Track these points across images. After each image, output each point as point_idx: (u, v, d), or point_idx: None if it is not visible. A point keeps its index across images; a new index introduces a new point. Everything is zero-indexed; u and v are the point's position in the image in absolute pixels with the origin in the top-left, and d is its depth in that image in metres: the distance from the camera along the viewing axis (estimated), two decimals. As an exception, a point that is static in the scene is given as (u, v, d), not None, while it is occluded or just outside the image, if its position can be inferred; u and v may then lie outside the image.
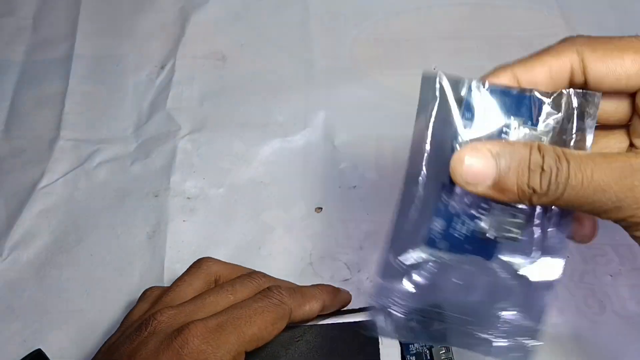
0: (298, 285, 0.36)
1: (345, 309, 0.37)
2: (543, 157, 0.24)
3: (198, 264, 0.36)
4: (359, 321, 0.35)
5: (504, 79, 0.28)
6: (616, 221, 0.25)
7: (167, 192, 0.47)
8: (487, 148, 0.25)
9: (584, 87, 0.27)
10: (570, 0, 0.57)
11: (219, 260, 0.37)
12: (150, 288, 0.36)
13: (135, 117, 0.52)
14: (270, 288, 0.33)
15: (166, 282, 0.43)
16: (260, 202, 0.47)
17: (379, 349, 0.34)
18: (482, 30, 0.56)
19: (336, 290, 0.36)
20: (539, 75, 0.28)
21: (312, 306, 0.34)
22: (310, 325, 0.35)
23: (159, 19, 0.57)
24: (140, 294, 0.36)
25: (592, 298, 0.41)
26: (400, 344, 0.35)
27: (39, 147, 0.50)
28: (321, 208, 0.46)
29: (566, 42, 0.28)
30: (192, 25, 0.57)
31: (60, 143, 0.50)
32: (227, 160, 0.49)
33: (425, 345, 0.35)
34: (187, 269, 0.36)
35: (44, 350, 0.36)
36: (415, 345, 0.35)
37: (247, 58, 0.55)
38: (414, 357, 0.34)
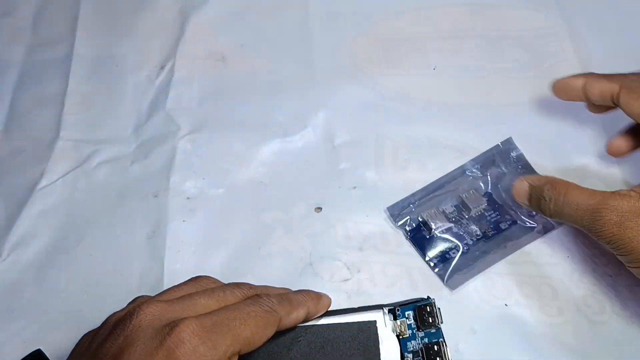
0: (283, 291, 0.36)
1: (345, 308, 0.37)
2: (551, 190, 0.39)
3: (197, 278, 0.35)
4: (359, 321, 0.36)
5: (578, 81, 0.44)
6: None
7: (167, 192, 0.47)
8: (527, 180, 0.41)
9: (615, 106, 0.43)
10: (570, 0, 0.57)
11: (218, 280, 0.36)
12: (142, 295, 0.34)
13: (135, 117, 0.52)
14: (259, 295, 0.33)
15: (166, 282, 0.43)
16: (260, 203, 0.47)
17: (379, 347, 0.35)
18: (482, 30, 0.56)
19: (318, 296, 0.36)
20: (595, 89, 0.43)
21: (298, 313, 0.34)
22: (312, 325, 0.35)
23: (158, 19, 0.57)
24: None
25: (592, 298, 0.41)
26: (399, 342, 0.35)
27: (39, 148, 0.50)
28: (321, 208, 0.46)
29: (620, 74, 0.43)
30: (192, 25, 0.57)
31: (60, 143, 0.50)
32: (227, 160, 0.49)
33: (421, 343, 0.36)
34: (185, 281, 0.35)
35: (43, 350, 0.36)
36: (412, 342, 0.36)
37: (247, 58, 0.55)
38: (411, 355, 0.35)
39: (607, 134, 0.50)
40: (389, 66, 0.54)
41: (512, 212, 0.45)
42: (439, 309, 0.36)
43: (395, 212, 0.45)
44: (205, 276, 0.35)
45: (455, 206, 0.45)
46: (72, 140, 0.50)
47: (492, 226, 0.44)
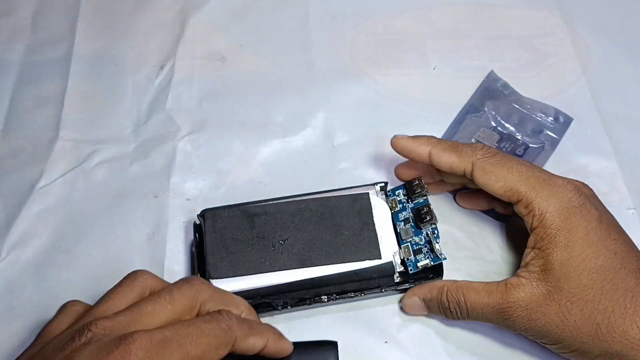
0: (246, 315, 0.35)
1: (341, 188, 0.43)
2: (449, 302, 0.38)
3: (132, 276, 0.34)
4: (354, 193, 0.42)
5: (422, 148, 0.40)
6: None
7: (167, 193, 0.47)
8: (418, 294, 0.39)
9: (471, 182, 0.39)
10: (570, 0, 0.57)
11: (155, 275, 0.35)
12: (70, 302, 0.34)
13: (135, 117, 0.52)
14: (220, 312, 0.32)
15: (165, 282, 0.42)
16: (260, 203, 0.47)
17: (372, 211, 0.41)
18: (482, 30, 0.56)
19: (280, 335, 0.35)
20: (444, 162, 0.39)
21: (256, 340, 0.33)
22: (313, 198, 0.41)
23: (158, 19, 0.57)
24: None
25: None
26: (391, 214, 0.42)
27: (38, 147, 0.50)
28: (321, 208, 0.46)
29: (469, 148, 0.38)
30: (192, 25, 0.57)
31: (59, 143, 0.50)
32: (227, 161, 0.49)
33: (412, 211, 0.42)
34: (119, 281, 0.34)
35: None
36: (402, 213, 0.42)
37: (247, 58, 0.55)
38: (402, 223, 0.41)
39: (607, 133, 0.50)
40: (389, 66, 0.54)
41: (519, 137, 0.48)
42: (425, 184, 0.42)
43: None
44: (141, 272, 0.34)
45: None
46: (71, 140, 0.50)
47: None
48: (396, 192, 0.43)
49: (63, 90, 0.53)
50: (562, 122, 0.49)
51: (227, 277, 0.38)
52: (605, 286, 0.34)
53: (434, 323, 0.41)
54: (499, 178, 0.37)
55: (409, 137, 0.41)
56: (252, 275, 0.38)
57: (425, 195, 0.41)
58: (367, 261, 0.39)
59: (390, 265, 0.39)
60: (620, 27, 0.56)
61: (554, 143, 0.48)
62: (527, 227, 0.37)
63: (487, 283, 0.37)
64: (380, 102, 0.52)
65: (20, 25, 0.57)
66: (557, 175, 0.38)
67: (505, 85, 0.51)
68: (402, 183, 0.43)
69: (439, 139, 0.40)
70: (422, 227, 0.40)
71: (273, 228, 0.40)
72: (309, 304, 0.40)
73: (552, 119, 0.49)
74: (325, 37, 0.56)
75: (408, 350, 0.40)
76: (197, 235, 0.42)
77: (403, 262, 0.40)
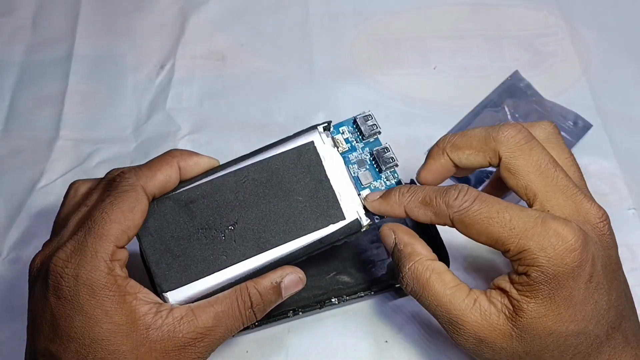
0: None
1: (280, 139, 0.36)
2: (410, 269, 0.33)
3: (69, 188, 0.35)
4: (298, 146, 0.36)
5: (396, 209, 0.34)
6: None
7: (167, 192, 0.47)
8: (397, 231, 0.35)
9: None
10: (570, 0, 0.57)
11: (87, 180, 0.35)
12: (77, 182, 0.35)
13: (135, 117, 0.52)
14: (113, 178, 0.32)
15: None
16: (260, 202, 0.47)
17: (322, 165, 0.35)
18: (482, 30, 0.56)
19: (192, 153, 0.35)
20: (422, 220, 0.34)
21: (165, 172, 0.33)
22: (251, 163, 0.35)
23: (158, 19, 0.57)
24: None
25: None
26: (341, 155, 0.36)
27: (38, 147, 0.50)
28: (321, 208, 0.46)
29: (442, 201, 0.33)
30: (192, 25, 0.57)
31: (60, 143, 0.50)
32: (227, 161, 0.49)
33: (365, 151, 0.37)
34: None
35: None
36: (354, 153, 0.37)
37: (247, 58, 0.55)
38: (355, 165, 0.36)
39: (607, 133, 0.50)
40: (389, 66, 0.54)
41: None
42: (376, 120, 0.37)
43: None
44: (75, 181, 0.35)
45: None
46: (71, 140, 0.50)
47: None
48: (340, 129, 0.37)
49: (63, 90, 0.53)
50: (581, 127, 0.49)
51: (181, 286, 0.33)
52: (564, 355, 0.32)
53: (435, 322, 0.41)
54: (481, 233, 0.32)
55: (379, 198, 0.35)
56: (209, 276, 0.33)
57: (377, 133, 0.37)
58: (331, 226, 0.34)
59: (356, 224, 0.35)
60: (620, 27, 0.56)
61: (568, 146, 0.48)
62: (512, 265, 0.33)
63: (460, 283, 0.33)
64: (380, 102, 0.52)
65: (20, 25, 0.57)
66: (557, 217, 0.31)
67: (529, 86, 0.51)
68: (347, 118, 0.37)
69: (407, 187, 0.35)
70: (382, 171, 0.36)
71: (217, 212, 0.34)
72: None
73: (571, 122, 0.49)
74: (325, 37, 0.56)
75: (409, 349, 0.40)
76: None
77: (368, 212, 0.35)
